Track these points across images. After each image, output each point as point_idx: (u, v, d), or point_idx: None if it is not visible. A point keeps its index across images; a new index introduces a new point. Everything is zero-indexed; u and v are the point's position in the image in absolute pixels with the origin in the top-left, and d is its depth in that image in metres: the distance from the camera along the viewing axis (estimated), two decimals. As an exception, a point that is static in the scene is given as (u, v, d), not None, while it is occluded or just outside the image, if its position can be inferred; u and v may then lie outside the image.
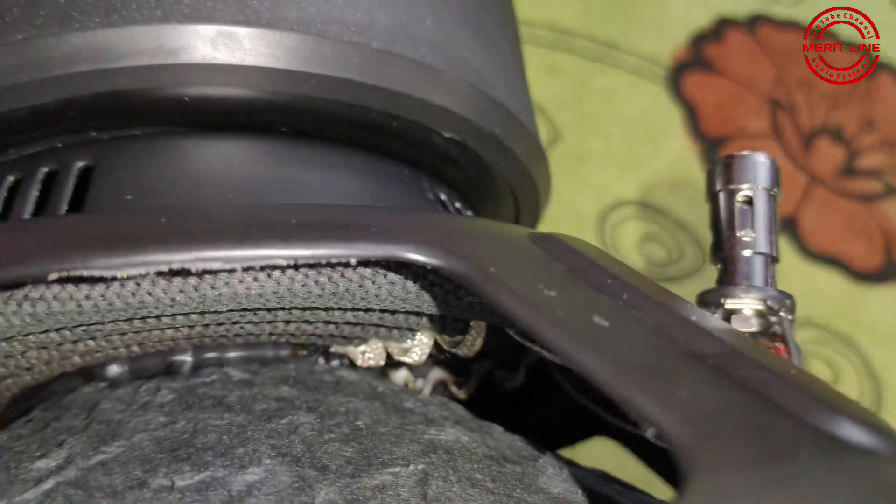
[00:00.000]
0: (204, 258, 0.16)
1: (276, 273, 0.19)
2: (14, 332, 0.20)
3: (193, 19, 0.22)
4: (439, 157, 0.28)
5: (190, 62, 0.22)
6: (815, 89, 0.65)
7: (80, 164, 0.23)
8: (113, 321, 0.21)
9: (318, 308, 0.22)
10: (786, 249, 0.61)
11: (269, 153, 0.24)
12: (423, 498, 0.18)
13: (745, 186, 0.23)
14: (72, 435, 0.22)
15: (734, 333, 0.15)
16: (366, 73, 0.23)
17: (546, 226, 0.32)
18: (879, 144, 0.64)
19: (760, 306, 0.22)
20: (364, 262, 0.19)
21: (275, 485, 0.18)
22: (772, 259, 0.23)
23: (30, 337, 0.22)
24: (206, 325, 0.23)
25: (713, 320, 0.15)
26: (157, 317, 0.21)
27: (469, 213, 0.31)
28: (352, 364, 0.27)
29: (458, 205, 0.29)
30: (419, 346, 0.26)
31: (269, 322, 0.23)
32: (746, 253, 0.23)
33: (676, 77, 0.63)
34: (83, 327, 0.21)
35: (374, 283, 0.20)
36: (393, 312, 0.23)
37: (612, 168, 0.60)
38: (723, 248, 0.23)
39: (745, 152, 0.24)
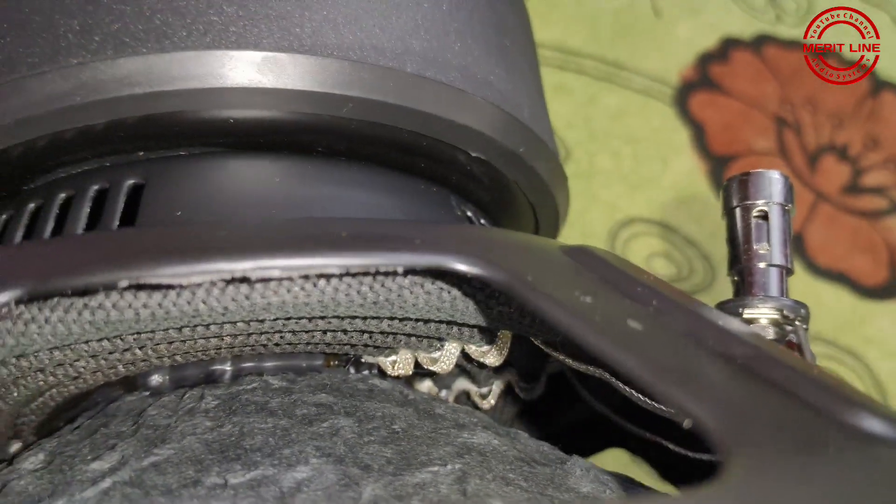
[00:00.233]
0: (264, 266, 0.17)
1: (322, 283, 0.21)
2: (72, 339, 0.22)
3: (240, 45, 0.23)
4: (465, 176, 0.29)
5: (236, 86, 0.24)
6: (821, 108, 0.66)
7: (129, 181, 0.24)
8: (165, 329, 0.22)
9: (357, 317, 0.23)
10: (793, 266, 0.62)
11: (308, 172, 0.25)
12: (462, 494, 0.19)
13: (760, 202, 0.25)
14: (122, 439, 0.23)
15: (759, 337, 0.16)
16: (400, 96, 0.25)
17: (561, 242, 0.34)
18: (884, 162, 0.66)
19: (777, 315, 0.23)
20: (408, 272, 0.20)
21: (322, 482, 0.19)
22: (786, 271, 0.24)
23: (83, 345, 0.23)
24: (249, 335, 0.24)
25: (738, 325, 0.16)
26: (207, 325, 0.23)
27: (494, 229, 0.32)
28: (381, 373, 0.29)
29: (482, 221, 0.31)
30: (447, 356, 0.28)
31: (307, 332, 0.25)
32: (762, 265, 0.24)
33: (684, 97, 0.65)
34: (135, 335, 0.23)
35: (411, 293, 0.22)
36: (426, 322, 0.24)
37: (621, 186, 0.62)
38: (739, 261, 0.25)
39: (759, 170, 0.25)
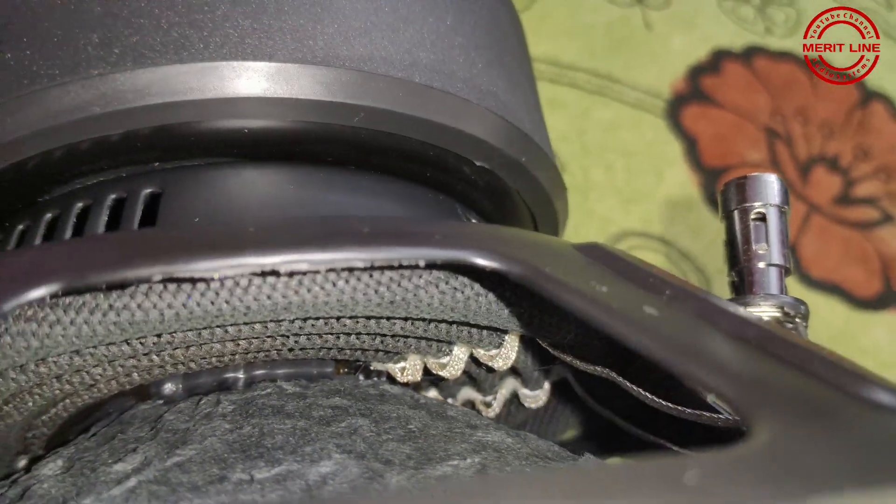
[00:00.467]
0: (293, 260, 0.19)
1: (341, 283, 0.22)
2: (96, 341, 0.23)
3: (255, 57, 0.25)
4: (469, 185, 0.31)
5: (251, 95, 0.25)
6: (811, 119, 0.69)
7: (147, 190, 0.26)
8: (187, 330, 0.23)
9: (371, 317, 0.24)
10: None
11: (321, 181, 0.27)
12: (484, 484, 0.21)
13: (757, 204, 0.26)
14: (142, 443, 0.24)
15: (768, 322, 0.18)
16: (409, 106, 0.26)
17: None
18: (875, 172, 0.68)
19: (777, 313, 0.25)
20: (429, 266, 0.22)
21: (347, 476, 0.21)
22: (785, 270, 0.26)
23: (104, 349, 0.24)
24: (265, 339, 0.26)
25: (747, 312, 0.18)
26: (226, 328, 0.24)
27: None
28: (390, 381, 0.30)
29: (487, 228, 0.32)
30: (455, 361, 0.29)
31: (321, 336, 0.26)
32: (761, 265, 0.26)
33: (676, 109, 0.67)
34: (155, 339, 0.24)
35: (426, 292, 0.23)
36: (439, 323, 0.26)
37: (615, 199, 0.64)
38: (739, 262, 0.27)
39: (756, 173, 0.27)
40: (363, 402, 0.26)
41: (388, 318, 0.25)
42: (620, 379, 0.26)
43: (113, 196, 0.26)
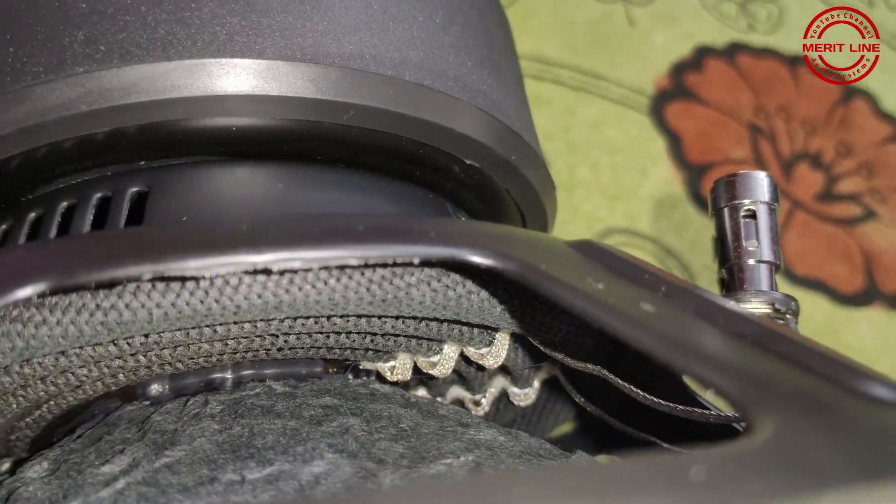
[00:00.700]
0: (285, 258, 0.19)
1: (332, 281, 0.22)
2: (83, 341, 0.23)
3: (244, 54, 0.25)
4: (459, 183, 0.31)
5: (239, 93, 0.25)
6: (794, 116, 0.70)
7: (133, 189, 0.26)
8: (175, 330, 0.23)
9: (362, 316, 0.24)
10: (771, 274, 0.65)
11: (310, 179, 0.27)
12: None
13: (747, 201, 0.27)
14: (129, 445, 0.24)
15: (764, 318, 0.18)
16: (399, 104, 0.26)
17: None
18: (857, 168, 0.69)
19: (768, 309, 0.25)
20: (424, 263, 0.22)
21: (340, 475, 0.21)
22: (775, 267, 0.26)
23: (90, 349, 0.24)
24: (254, 339, 0.26)
25: (743, 308, 0.18)
26: (214, 328, 0.24)
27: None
28: (380, 380, 0.30)
29: (476, 226, 0.33)
30: (446, 360, 0.29)
31: (310, 335, 0.26)
32: (752, 261, 0.26)
33: (660, 106, 0.68)
34: (142, 339, 0.24)
35: (418, 290, 0.23)
36: (430, 321, 0.26)
37: (600, 197, 0.64)
38: (729, 259, 0.27)
39: (745, 171, 0.27)
40: (354, 401, 0.26)
41: (380, 317, 0.25)
42: (612, 376, 0.26)
43: (98, 195, 0.26)
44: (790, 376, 0.15)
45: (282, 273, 0.21)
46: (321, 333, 0.26)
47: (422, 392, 0.35)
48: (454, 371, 0.32)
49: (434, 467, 0.21)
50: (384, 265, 0.22)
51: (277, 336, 0.26)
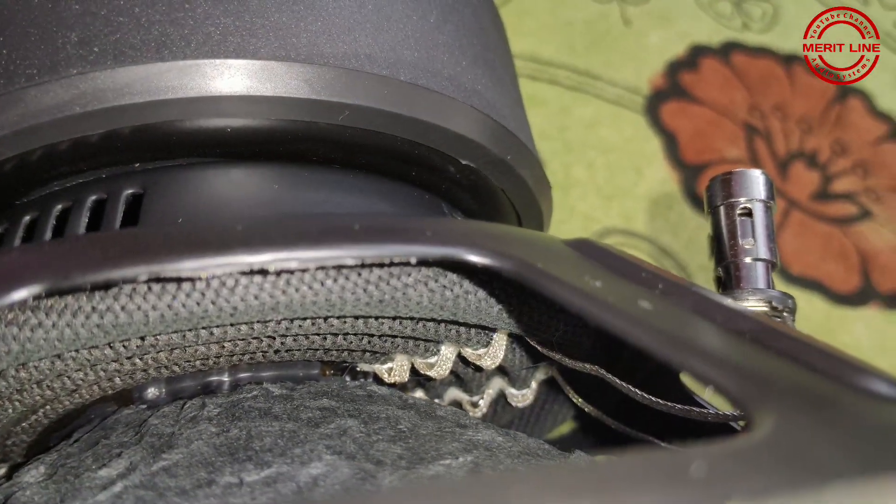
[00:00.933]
0: (282, 259, 0.19)
1: (329, 282, 0.22)
2: (79, 344, 0.23)
3: (238, 55, 0.25)
4: (454, 183, 0.31)
5: (234, 94, 0.25)
6: (790, 115, 0.70)
7: (128, 191, 0.26)
8: (171, 333, 0.23)
9: (360, 317, 0.24)
10: (768, 273, 0.65)
11: (306, 180, 0.27)
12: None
13: (743, 199, 0.27)
14: (126, 448, 0.24)
15: (761, 315, 0.18)
16: (394, 104, 0.26)
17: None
18: (853, 167, 0.69)
19: (765, 307, 0.25)
20: (421, 263, 0.22)
21: (338, 476, 0.21)
22: (772, 265, 0.26)
23: (86, 353, 0.24)
24: (251, 340, 0.25)
25: (740, 305, 0.18)
26: (211, 330, 0.24)
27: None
28: (377, 381, 0.30)
29: (472, 226, 0.32)
30: (443, 361, 0.29)
31: (307, 336, 0.26)
32: (748, 259, 0.26)
33: (655, 105, 0.68)
34: (139, 342, 0.24)
35: (416, 290, 0.23)
36: (427, 321, 0.26)
37: (596, 196, 0.64)
38: (725, 257, 0.27)
39: (741, 169, 0.27)
40: (351, 403, 0.26)
41: (376, 318, 0.25)
42: (609, 376, 0.26)
43: (93, 197, 0.26)
44: (789, 372, 0.15)
45: (278, 274, 0.21)
46: (318, 335, 0.26)
47: (419, 394, 0.35)
48: (452, 372, 0.32)
49: (432, 468, 0.21)
50: (381, 265, 0.22)
51: (274, 338, 0.26)
